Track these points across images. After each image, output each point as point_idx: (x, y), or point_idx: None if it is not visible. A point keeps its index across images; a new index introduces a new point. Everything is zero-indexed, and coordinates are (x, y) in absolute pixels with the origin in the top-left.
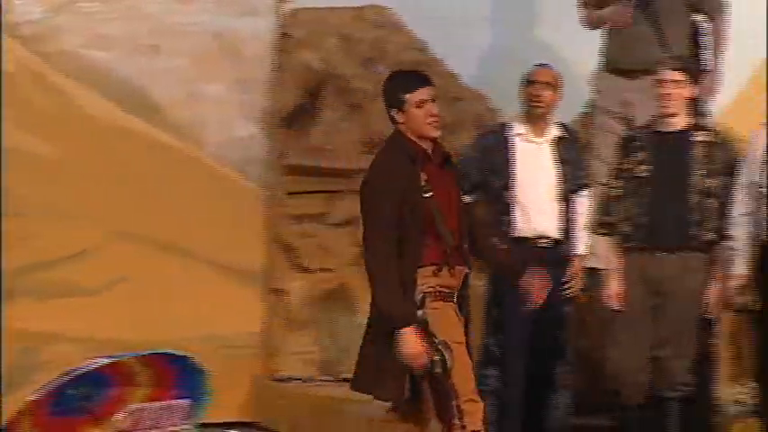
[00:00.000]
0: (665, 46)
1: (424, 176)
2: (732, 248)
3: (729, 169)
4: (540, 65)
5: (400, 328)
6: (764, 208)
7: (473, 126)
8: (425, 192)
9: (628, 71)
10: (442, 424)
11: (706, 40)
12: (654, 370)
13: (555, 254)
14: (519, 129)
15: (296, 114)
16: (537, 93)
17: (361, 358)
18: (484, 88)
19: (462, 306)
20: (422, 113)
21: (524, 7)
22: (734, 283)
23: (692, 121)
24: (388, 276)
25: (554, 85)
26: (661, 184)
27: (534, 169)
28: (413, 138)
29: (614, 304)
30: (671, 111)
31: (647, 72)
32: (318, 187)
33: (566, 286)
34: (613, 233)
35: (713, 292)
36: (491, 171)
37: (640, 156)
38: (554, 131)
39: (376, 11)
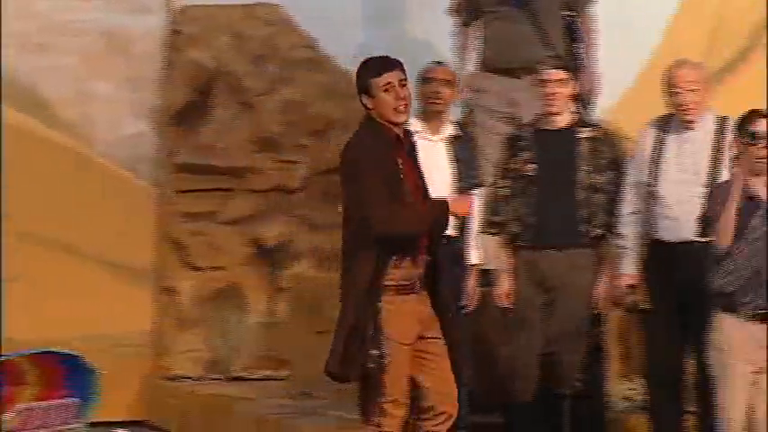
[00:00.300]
0: (546, 44)
1: (399, 161)
2: (621, 247)
3: (615, 164)
4: (437, 62)
5: (446, 206)
6: (652, 207)
7: None
8: (401, 175)
9: (513, 70)
10: (361, 418)
11: (580, 36)
12: (545, 367)
13: (449, 251)
14: (415, 126)
15: (186, 112)
16: (436, 90)
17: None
18: None
19: (437, 301)
20: (390, 98)
21: (414, 6)
22: (623, 281)
23: (576, 118)
24: (411, 216)
25: (452, 82)
26: (548, 183)
27: (429, 167)
28: (383, 122)
29: (505, 303)
30: (555, 109)
31: (530, 71)
32: (209, 185)
33: (463, 305)
34: (502, 233)
35: (601, 288)
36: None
37: (526, 155)
38: (449, 130)
39: (267, 9)
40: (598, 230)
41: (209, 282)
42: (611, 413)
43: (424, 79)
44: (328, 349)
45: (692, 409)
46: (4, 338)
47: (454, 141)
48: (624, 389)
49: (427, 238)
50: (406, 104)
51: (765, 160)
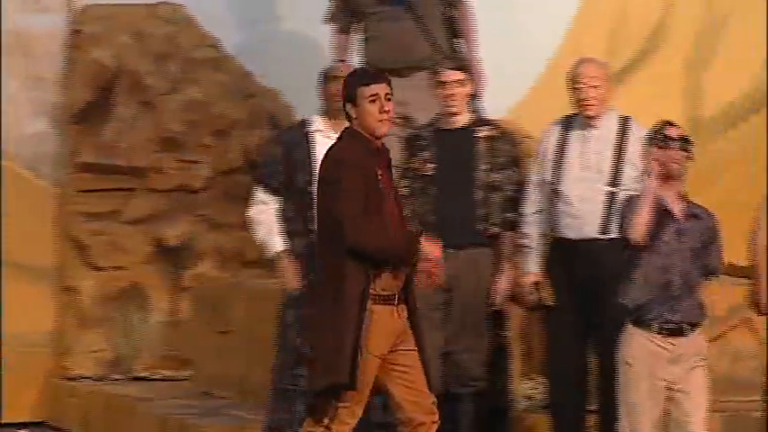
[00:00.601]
0: (430, 41)
1: (379, 171)
2: (524, 246)
3: (513, 163)
4: (341, 61)
5: (418, 241)
6: (555, 205)
7: (267, 123)
8: (381, 185)
9: (399, 69)
10: (310, 415)
11: (459, 30)
12: (446, 365)
13: None
14: (318, 125)
15: (88, 112)
16: None
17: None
18: (277, 85)
19: (412, 313)
20: (374, 109)
21: (315, 5)
22: (526, 280)
23: (475, 117)
24: (379, 237)
25: None
26: (447, 182)
27: None
28: (365, 134)
29: None
30: (455, 109)
31: (416, 69)
32: (111, 185)
33: None
34: None
35: (501, 286)
36: (294, 168)
37: (426, 154)
38: None
39: (168, 8)
40: (496, 229)
41: (111, 281)
42: (514, 412)
43: (331, 78)
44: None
45: (593, 407)
46: None
47: None
48: (526, 388)
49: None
50: (388, 119)
51: (680, 163)
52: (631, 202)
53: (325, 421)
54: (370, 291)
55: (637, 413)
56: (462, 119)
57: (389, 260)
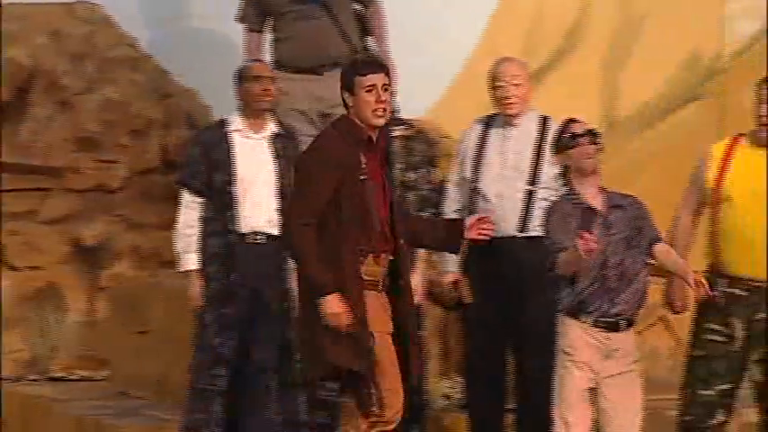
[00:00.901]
0: (348, 42)
1: (363, 160)
2: None
3: (428, 161)
4: (257, 60)
5: (327, 294)
6: (475, 203)
7: (185, 123)
8: (362, 175)
9: (315, 68)
10: (360, 412)
11: (370, 28)
12: None
13: (271, 250)
14: (237, 124)
15: (4, 111)
16: (265, 88)
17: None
18: (194, 85)
19: (400, 297)
20: (371, 98)
21: (233, 3)
22: (445, 279)
23: (390, 116)
24: (312, 248)
25: (275, 78)
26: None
27: (253, 165)
28: (359, 123)
29: None
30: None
31: (333, 66)
32: (28, 185)
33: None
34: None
35: (414, 284)
36: (214, 167)
37: None
38: (272, 127)
39: (86, 7)
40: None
41: (28, 281)
42: (430, 411)
43: (247, 78)
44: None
45: (511, 407)
46: None
47: (277, 139)
48: (444, 387)
49: (391, 239)
50: (384, 109)
51: (592, 156)
52: (553, 210)
53: (376, 411)
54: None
55: (571, 403)
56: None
57: (303, 274)
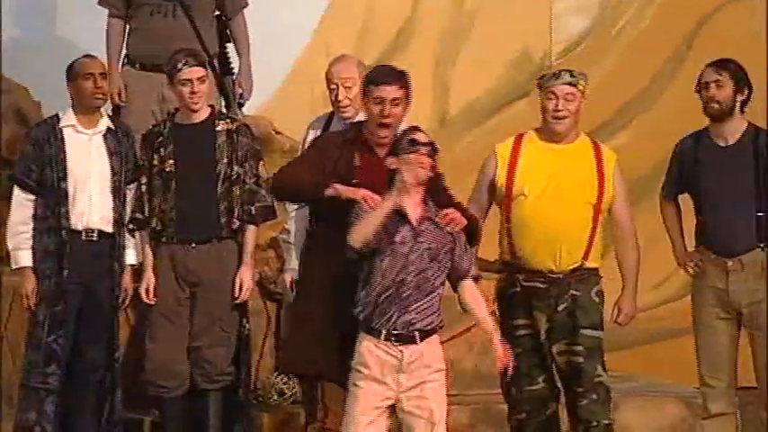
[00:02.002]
0: (202, 43)
1: (357, 158)
2: (286, 242)
3: (253, 155)
4: (88, 56)
5: (325, 191)
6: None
7: (15, 120)
8: (353, 176)
9: (162, 65)
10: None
11: (232, 36)
12: (193, 361)
13: (104, 247)
14: (69, 120)
15: None
16: (98, 85)
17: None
18: (25, 81)
19: None
20: (376, 111)
21: (66, 2)
22: (287, 276)
23: (214, 111)
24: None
25: (106, 75)
26: (188, 177)
27: (85, 161)
28: (369, 127)
29: (149, 299)
30: (198, 107)
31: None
32: None
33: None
34: (145, 228)
35: (243, 279)
36: (46, 163)
37: (165, 150)
38: (104, 123)
39: None
40: (238, 222)
41: None
42: (264, 407)
43: (82, 74)
44: None
45: None
46: None
47: (108, 134)
48: (279, 382)
49: None
50: (387, 123)
51: (427, 168)
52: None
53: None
54: None
55: (359, 423)
56: (201, 114)
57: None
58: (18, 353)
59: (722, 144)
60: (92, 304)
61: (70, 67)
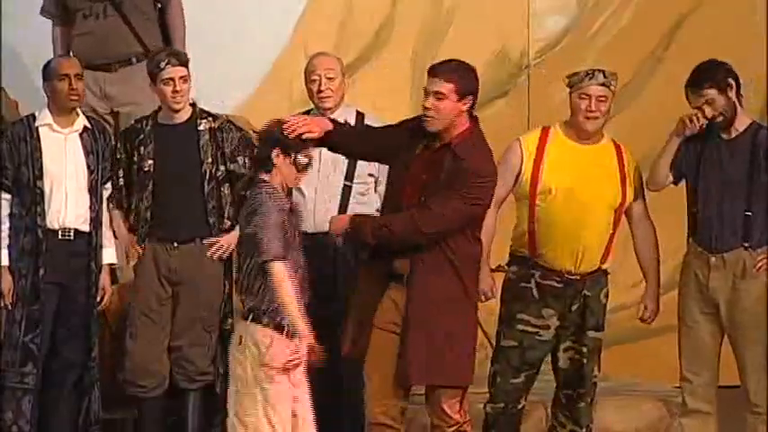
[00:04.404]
0: (140, 40)
1: (416, 151)
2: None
3: (241, 151)
4: (64, 56)
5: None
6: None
7: None
8: (407, 166)
9: (107, 65)
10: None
11: (168, 28)
12: (174, 360)
13: (81, 246)
14: (45, 119)
15: None
16: (73, 86)
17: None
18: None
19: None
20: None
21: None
22: None
23: (195, 110)
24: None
25: (83, 75)
26: (170, 176)
27: (61, 160)
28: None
29: (135, 298)
30: (179, 106)
31: (125, 63)
32: None
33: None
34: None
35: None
36: (22, 162)
37: (146, 150)
38: (81, 122)
39: None
40: (228, 221)
41: None
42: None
43: (58, 75)
44: None
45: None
46: None
47: (85, 133)
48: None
49: None
50: (427, 118)
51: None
52: (270, 207)
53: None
54: None
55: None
56: (183, 114)
57: None
58: None
59: (726, 137)
60: (68, 303)
61: (46, 67)
